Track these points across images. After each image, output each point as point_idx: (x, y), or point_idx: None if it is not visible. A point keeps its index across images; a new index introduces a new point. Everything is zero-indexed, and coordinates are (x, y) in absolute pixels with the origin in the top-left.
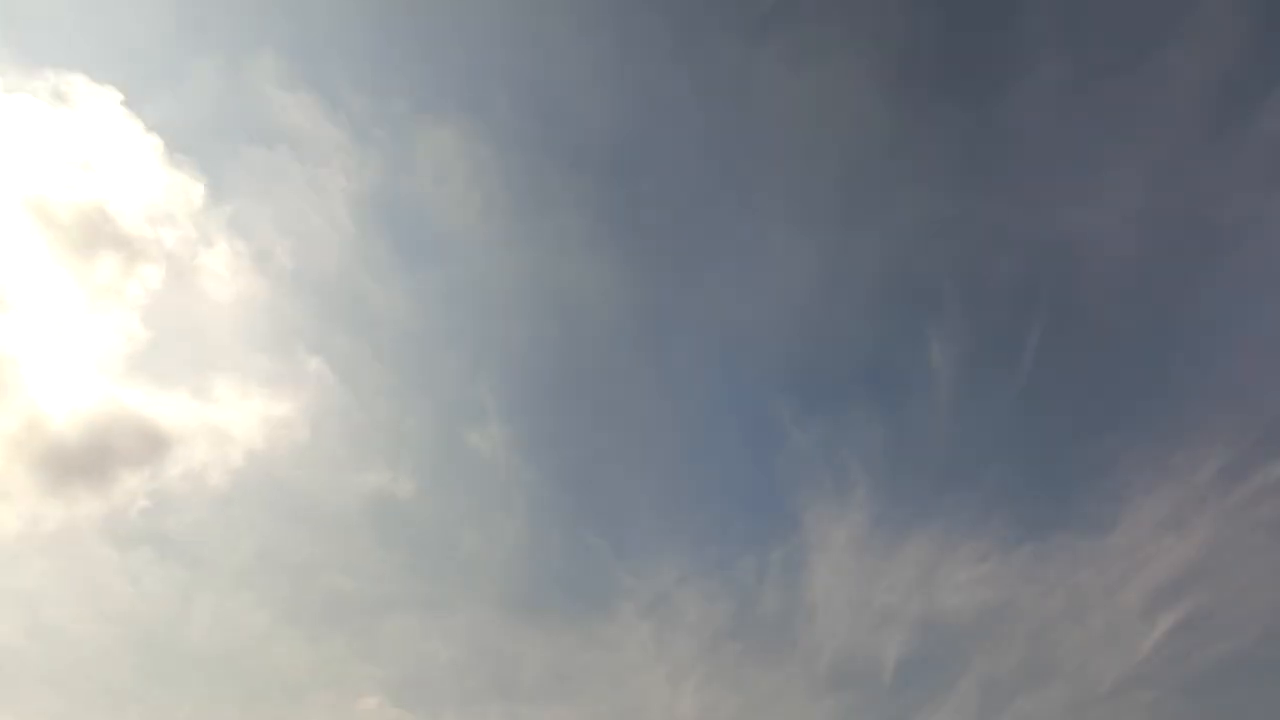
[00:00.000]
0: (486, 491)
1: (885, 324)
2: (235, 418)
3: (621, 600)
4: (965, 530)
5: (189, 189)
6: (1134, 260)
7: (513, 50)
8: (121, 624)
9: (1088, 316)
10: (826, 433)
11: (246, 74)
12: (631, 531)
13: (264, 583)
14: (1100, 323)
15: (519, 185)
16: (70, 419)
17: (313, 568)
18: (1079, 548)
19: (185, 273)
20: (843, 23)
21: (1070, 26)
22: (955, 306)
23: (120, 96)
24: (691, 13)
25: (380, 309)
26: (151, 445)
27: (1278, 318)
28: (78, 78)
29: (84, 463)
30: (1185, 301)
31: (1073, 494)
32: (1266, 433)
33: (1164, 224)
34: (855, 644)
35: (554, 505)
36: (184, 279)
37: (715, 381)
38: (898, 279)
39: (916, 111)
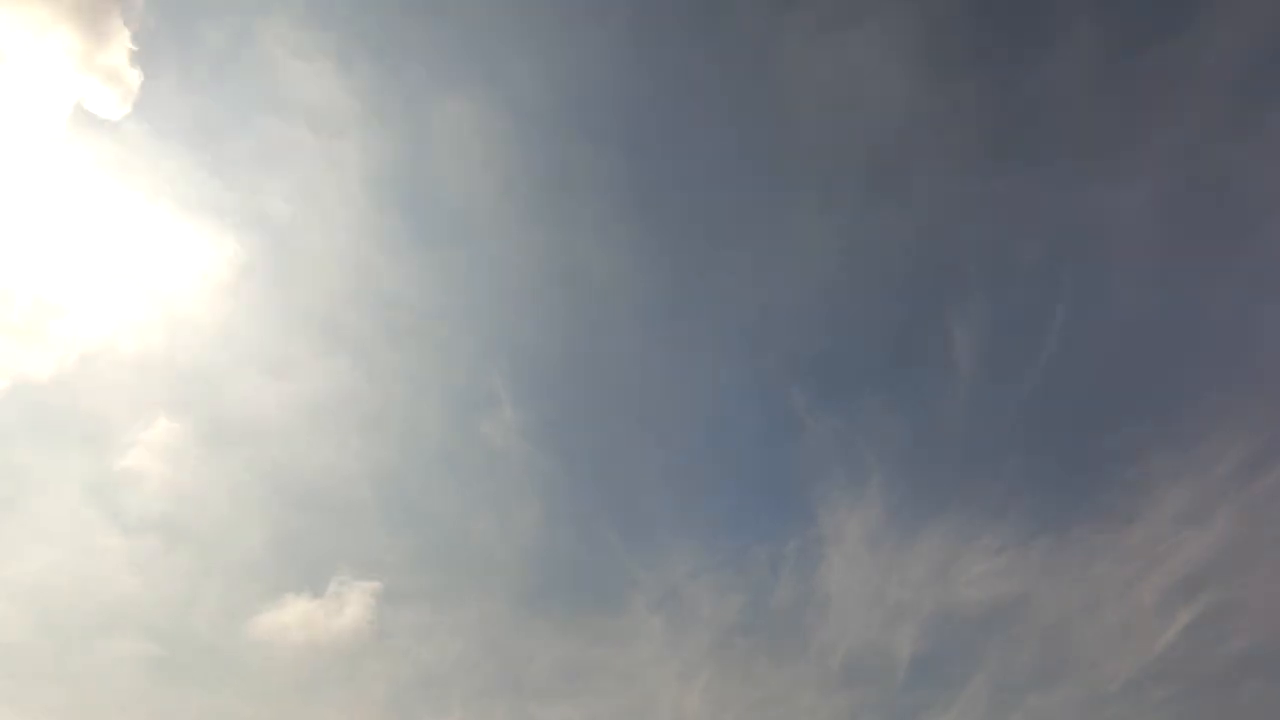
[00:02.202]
0: (497, 480)
1: (906, 309)
2: (242, 399)
3: (633, 593)
4: (983, 521)
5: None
6: (1161, 241)
7: (531, 20)
8: (128, 616)
9: (1112, 300)
10: (843, 422)
11: (258, 40)
12: (644, 523)
13: (271, 573)
14: (1125, 306)
15: (536, 161)
16: None
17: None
18: (1098, 540)
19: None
20: None
21: None
22: (978, 291)
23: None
24: None
25: (392, 289)
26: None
27: None
28: None
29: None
30: (1213, 284)
31: (1093, 485)
32: None
33: (1194, 203)
34: (869, 639)
35: (566, 495)
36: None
37: (731, 369)
38: (920, 262)
39: (943, 85)
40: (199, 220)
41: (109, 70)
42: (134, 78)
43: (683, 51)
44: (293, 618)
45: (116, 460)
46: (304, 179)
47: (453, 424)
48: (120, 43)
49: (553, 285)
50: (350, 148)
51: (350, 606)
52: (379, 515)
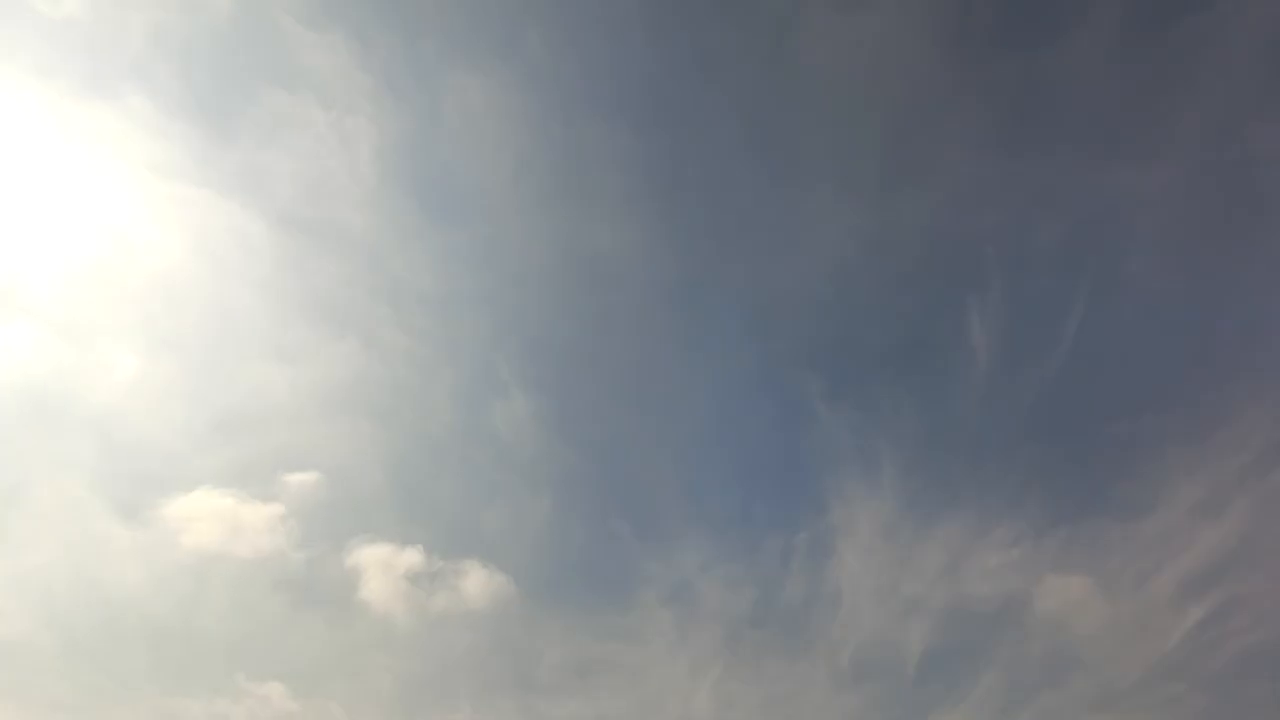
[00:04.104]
0: (507, 469)
1: (922, 297)
2: (248, 383)
3: (642, 586)
4: (997, 513)
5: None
6: (1184, 226)
7: None
8: (132, 610)
9: (1132, 287)
10: (857, 411)
11: (266, 8)
12: (654, 514)
13: (277, 565)
14: (1145, 293)
15: (550, 141)
16: None
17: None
18: (1112, 533)
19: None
20: None
21: None
22: (996, 278)
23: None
24: None
25: (402, 271)
26: None
27: None
28: None
29: None
30: (1235, 271)
31: (1108, 476)
32: None
33: (1218, 186)
34: (880, 634)
35: (576, 485)
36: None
37: (744, 357)
38: (938, 248)
39: (961, 66)
40: (202, 197)
41: None
42: None
43: (700, 29)
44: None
45: (118, 449)
46: (312, 156)
47: (462, 412)
48: None
49: (565, 271)
50: (361, 124)
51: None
52: (388, 504)
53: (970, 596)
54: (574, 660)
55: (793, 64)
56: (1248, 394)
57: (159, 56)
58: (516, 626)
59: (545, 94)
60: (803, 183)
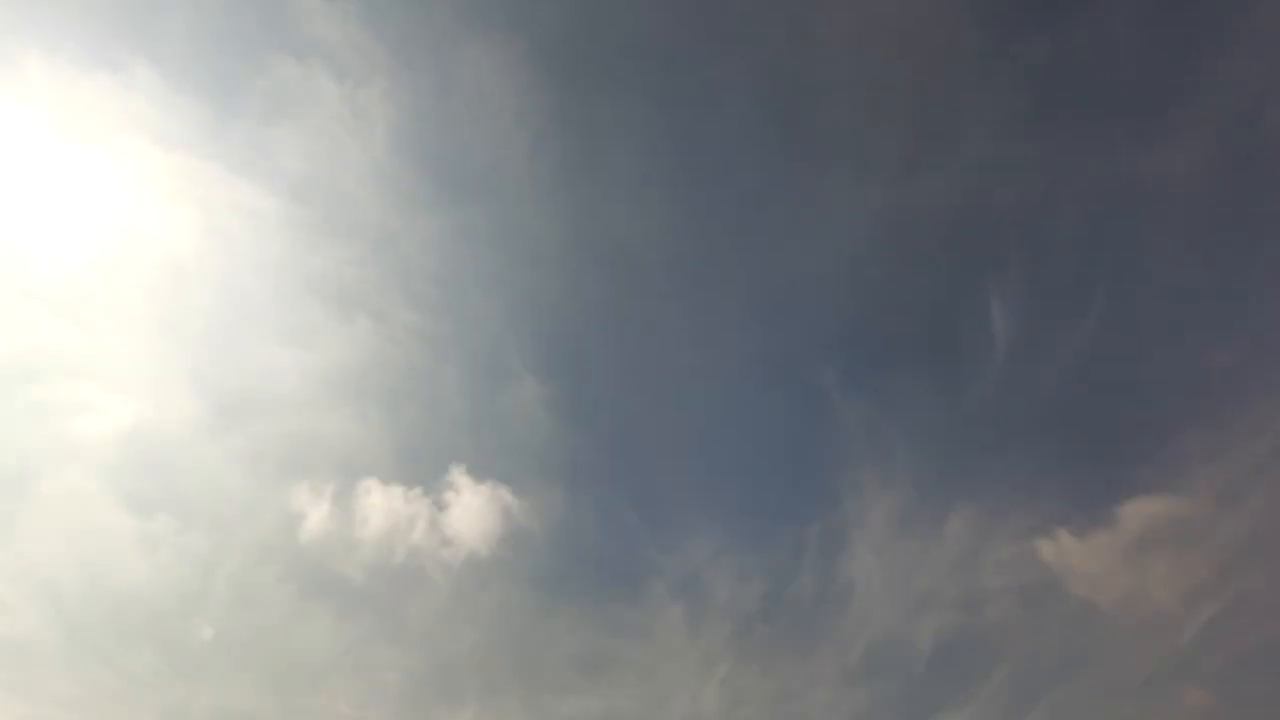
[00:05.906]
0: (515, 457)
1: (941, 279)
2: (256, 366)
3: (652, 579)
4: (1013, 503)
5: None
6: (1209, 208)
7: None
8: (137, 601)
9: (1155, 272)
10: (872, 400)
11: None
12: (665, 503)
13: (286, 557)
14: (1167, 277)
15: (566, 116)
16: None
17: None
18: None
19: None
20: None
21: None
22: (1016, 264)
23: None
24: None
25: (413, 251)
26: None
27: None
28: None
29: None
30: (1259, 252)
31: (1126, 465)
32: None
33: (1243, 166)
34: (893, 628)
35: (585, 475)
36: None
37: (758, 344)
38: (957, 232)
39: (986, 40)
40: (210, 174)
41: None
42: None
43: (718, 3)
44: None
45: (123, 433)
46: (323, 130)
47: (471, 398)
48: None
49: (577, 255)
50: (373, 97)
51: None
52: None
53: (984, 589)
54: (582, 656)
55: (810, 41)
56: (1268, 381)
57: (165, 26)
58: (524, 620)
59: (560, 68)
60: (820, 164)
